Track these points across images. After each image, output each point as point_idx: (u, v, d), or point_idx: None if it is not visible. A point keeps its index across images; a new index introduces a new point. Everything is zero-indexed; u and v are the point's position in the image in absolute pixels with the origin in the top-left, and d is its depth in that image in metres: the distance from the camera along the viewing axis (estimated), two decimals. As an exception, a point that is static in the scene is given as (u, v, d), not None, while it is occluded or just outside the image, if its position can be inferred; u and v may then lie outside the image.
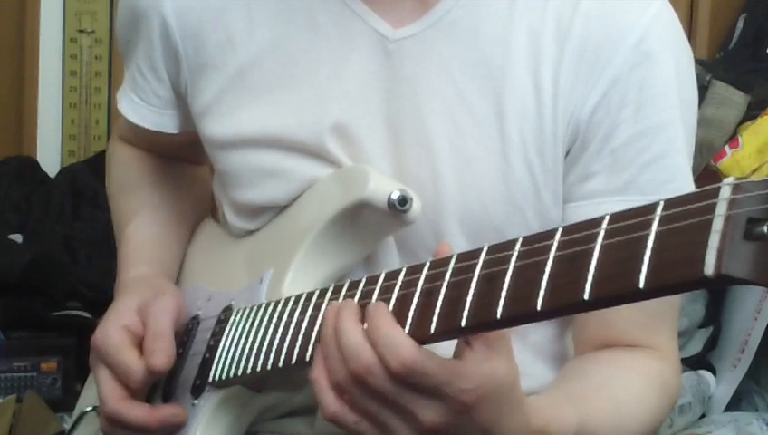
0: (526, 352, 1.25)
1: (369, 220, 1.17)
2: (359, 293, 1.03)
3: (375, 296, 1.00)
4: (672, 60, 1.19)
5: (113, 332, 1.21)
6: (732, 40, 2.79)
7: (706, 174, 2.41)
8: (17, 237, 2.59)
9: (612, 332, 1.22)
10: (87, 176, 2.67)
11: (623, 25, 1.18)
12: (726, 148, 2.44)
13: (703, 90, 2.46)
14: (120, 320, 1.22)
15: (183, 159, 1.48)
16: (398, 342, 0.94)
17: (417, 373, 0.93)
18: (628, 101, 1.17)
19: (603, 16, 1.18)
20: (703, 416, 2.43)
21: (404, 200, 1.12)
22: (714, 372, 2.48)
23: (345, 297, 1.04)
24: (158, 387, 1.26)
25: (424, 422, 0.95)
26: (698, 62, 1.28)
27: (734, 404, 2.46)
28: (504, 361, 0.96)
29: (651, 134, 1.18)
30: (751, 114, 2.49)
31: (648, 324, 1.22)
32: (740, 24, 2.79)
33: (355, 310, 0.99)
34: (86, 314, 2.43)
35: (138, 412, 1.19)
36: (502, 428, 0.97)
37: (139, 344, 1.21)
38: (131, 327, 1.22)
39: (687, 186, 1.21)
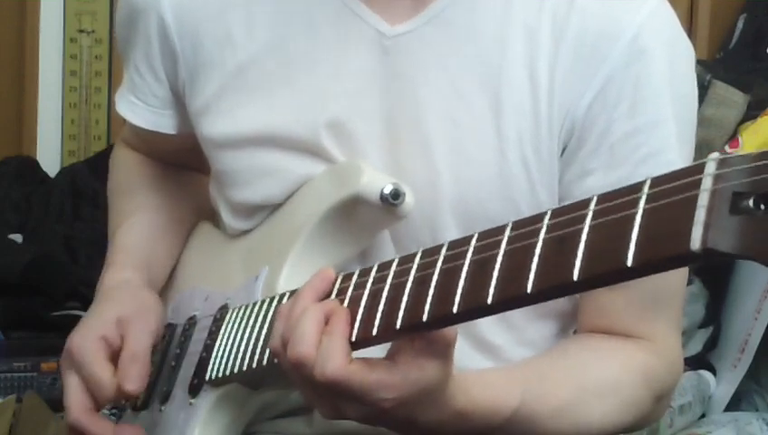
0: (522, 348, 1.25)
1: (363, 215, 1.17)
2: (352, 284, 1.03)
3: (368, 287, 1.00)
4: (666, 57, 1.19)
5: (90, 342, 1.21)
6: (732, 40, 2.80)
7: (706, 174, 2.41)
8: (17, 237, 2.60)
9: (606, 320, 1.22)
10: (87, 176, 2.67)
11: (619, 22, 1.18)
12: (726, 148, 2.44)
13: (703, 90, 2.46)
14: (99, 329, 1.22)
15: (184, 165, 1.48)
16: (333, 354, 0.97)
17: (338, 386, 0.97)
18: (624, 97, 1.18)
19: (599, 13, 1.18)
20: (703, 416, 2.43)
21: (396, 194, 1.13)
22: (714, 372, 2.48)
23: (339, 290, 1.04)
24: (157, 387, 1.27)
25: (344, 414, 1.01)
26: (698, 62, 1.28)
27: (734, 404, 2.46)
28: (438, 365, 0.99)
29: (647, 131, 1.18)
30: (751, 114, 2.50)
31: (643, 314, 1.21)
32: (740, 24, 2.79)
33: (330, 308, 1.02)
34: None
35: (100, 429, 1.19)
36: (420, 416, 1.02)
37: (114, 356, 1.21)
38: (109, 339, 1.22)
39: None
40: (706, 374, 2.47)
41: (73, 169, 2.75)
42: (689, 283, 2.27)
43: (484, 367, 1.21)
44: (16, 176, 2.71)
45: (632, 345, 1.21)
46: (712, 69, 2.55)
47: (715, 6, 2.84)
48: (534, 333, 1.26)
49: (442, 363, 0.99)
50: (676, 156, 1.20)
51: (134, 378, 1.18)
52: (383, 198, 1.13)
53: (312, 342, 0.98)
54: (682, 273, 1.25)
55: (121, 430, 1.19)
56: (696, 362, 2.46)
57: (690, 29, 2.79)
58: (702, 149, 2.35)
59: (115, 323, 1.23)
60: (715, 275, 2.47)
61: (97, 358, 1.20)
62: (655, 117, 1.19)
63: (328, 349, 0.98)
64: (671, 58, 1.20)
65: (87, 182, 2.66)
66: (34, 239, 2.59)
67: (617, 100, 1.18)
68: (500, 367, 1.19)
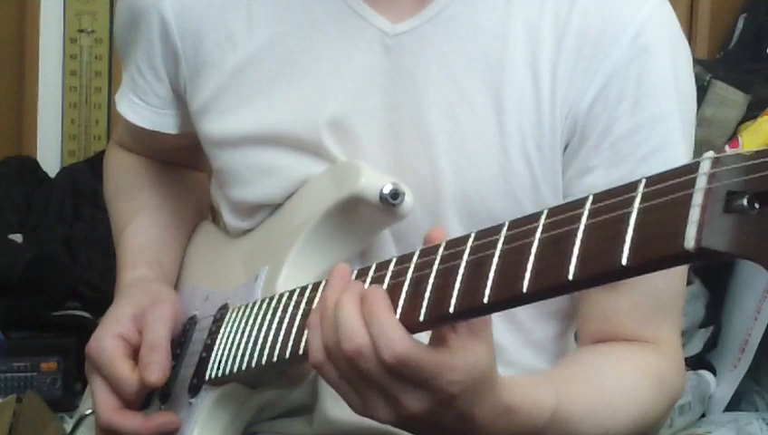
0: (527, 350, 1.25)
1: (363, 215, 1.17)
2: None
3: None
4: (669, 54, 1.20)
5: (107, 341, 1.22)
6: (732, 40, 2.80)
7: (706, 174, 2.41)
8: (17, 237, 2.59)
9: (611, 325, 1.21)
10: (87, 176, 2.67)
11: (620, 19, 1.18)
12: (726, 148, 2.44)
13: (703, 90, 2.46)
14: (114, 328, 1.23)
15: (181, 164, 1.49)
16: (393, 332, 0.93)
17: (408, 367, 0.93)
18: (626, 94, 1.18)
19: (600, 10, 1.18)
20: (703, 416, 2.43)
21: (396, 194, 1.12)
22: (714, 372, 2.48)
23: None
24: (158, 387, 1.25)
25: (407, 408, 0.96)
26: (698, 62, 1.28)
27: (734, 404, 2.46)
28: (485, 347, 0.96)
29: (649, 127, 1.18)
30: (751, 114, 2.50)
31: (648, 318, 1.21)
32: (740, 24, 2.79)
33: (360, 291, 0.98)
34: (86, 314, 2.43)
35: (131, 423, 1.19)
36: (477, 411, 0.98)
37: (134, 353, 1.21)
38: (126, 336, 1.22)
39: None
40: (706, 374, 2.47)
41: (73, 169, 2.75)
42: (689, 283, 2.27)
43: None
44: (16, 176, 2.71)
45: (641, 349, 1.21)
46: (712, 69, 2.55)
47: (715, 6, 2.84)
48: (540, 333, 1.26)
49: (488, 344, 0.96)
50: (681, 153, 1.20)
51: (154, 368, 1.18)
52: (382, 197, 1.12)
53: (362, 330, 0.95)
54: (682, 274, 1.25)
55: (152, 420, 1.19)
56: (696, 362, 2.46)
57: (690, 29, 2.79)
58: (702, 149, 2.33)
59: (131, 319, 1.23)
60: (715, 274, 2.47)
61: (114, 356, 1.20)
62: (658, 112, 1.19)
63: (381, 330, 0.94)
64: (674, 56, 1.20)
65: (87, 182, 2.66)
66: (34, 239, 2.58)
67: (619, 98, 1.18)
68: (522, 375, 1.16)
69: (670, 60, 1.19)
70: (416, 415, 0.96)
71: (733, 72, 2.59)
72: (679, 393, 1.25)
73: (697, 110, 1.27)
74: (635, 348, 1.21)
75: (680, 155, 1.20)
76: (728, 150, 2.36)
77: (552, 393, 1.06)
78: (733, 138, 2.46)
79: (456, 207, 1.19)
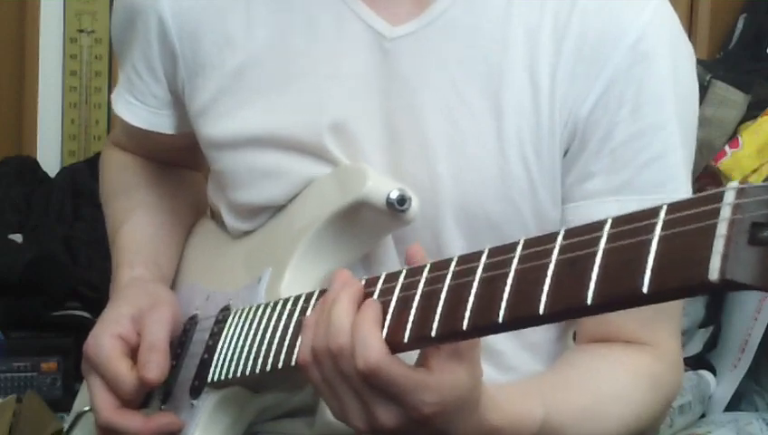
0: (525, 353, 1.25)
1: (368, 219, 1.16)
2: None
3: (375, 298, 1.00)
4: (669, 58, 1.19)
5: (106, 340, 1.21)
6: (732, 40, 2.79)
7: (707, 174, 2.42)
8: (17, 237, 2.59)
9: (609, 327, 1.21)
10: (87, 176, 2.66)
11: (621, 24, 1.17)
12: (726, 148, 2.45)
13: (703, 90, 2.46)
14: (113, 328, 1.22)
15: (178, 164, 1.48)
16: (371, 343, 0.95)
17: (380, 378, 0.95)
18: (626, 100, 1.17)
19: (601, 14, 1.18)
20: (703, 416, 2.44)
21: (403, 200, 1.12)
22: (714, 372, 2.48)
23: None
24: (157, 388, 1.25)
25: (379, 420, 0.97)
26: (698, 62, 1.27)
27: (734, 404, 2.47)
28: (468, 370, 0.97)
29: (650, 133, 1.18)
30: (751, 114, 2.50)
31: (646, 321, 1.21)
32: (740, 24, 2.79)
33: (358, 295, 1.00)
34: (86, 314, 2.43)
35: (132, 422, 1.18)
36: (456, 431, 0.99)
37: (133, 354, 1.21)
38: (125, 336, 1.21)
39: (684, 186, 1.21)
40: (706, 374, 2.47)
41: (73, 168, 2.75)
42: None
43: (487, 374, 1.20)
44: (16, 176, 2.70)
45: (637, 352, 1.21)
46: (712, 69, 2.55)
47: (715, 6, 2.83)
48: (538, 336, 1.26)
49: (471, 367, 0.97)
50: (680, 159, 1.20)
51: (153, 367, 1.17)
52: (389, 203, 1.12)
53: (347, 330, 0.97)
54: None
55: (153, 421, 1.19)
56: (696, 362, 2.47)
57: (690, 29, 2.78)
58: (702, 149, 2.35)
59: (130, 320, 1.23)
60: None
61: (112, 355, 1.20)
62: (658, 119, 1.18)
63: (362, 339, 0.95)
64: (674, 60, 1.20)
65: (87, 182, 2.65)
66: (34, 239, 2.58)
67: (619, 103, 1.17)
68: (513, 383, 1.18)
69: (670, 64, 1.19)
70: (388, 428, 0.97)
71: (733, 72, 2.59)
72: (675, 395, 1.25)
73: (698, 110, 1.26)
74: (632, 351, 1.21)
75: (678, 162, 1.20)
76: (728, 151, 2.37)
77: (540, 405, 1.08)
78: (733, 138, 2.47)
79: (453, 211, 1.19)
